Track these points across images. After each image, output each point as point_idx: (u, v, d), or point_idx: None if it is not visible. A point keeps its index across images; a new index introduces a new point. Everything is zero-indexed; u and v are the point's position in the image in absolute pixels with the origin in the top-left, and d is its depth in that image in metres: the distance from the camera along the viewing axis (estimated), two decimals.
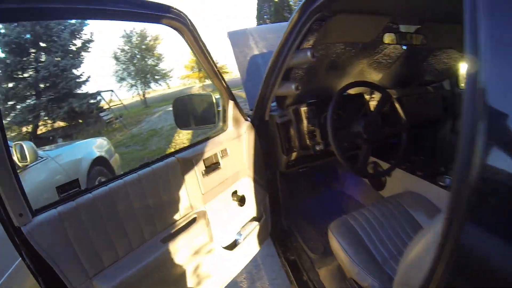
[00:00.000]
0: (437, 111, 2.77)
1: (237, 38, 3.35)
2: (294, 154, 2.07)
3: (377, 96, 2.33)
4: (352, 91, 2.34)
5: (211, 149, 1.65)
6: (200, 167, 1.59)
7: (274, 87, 1.76)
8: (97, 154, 4.60)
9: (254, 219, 1.99)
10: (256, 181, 1.96)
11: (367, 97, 2.34)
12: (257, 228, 1.96)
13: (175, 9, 1.33)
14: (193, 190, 1.54)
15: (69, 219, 1.10)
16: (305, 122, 2.05)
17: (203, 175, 1.59)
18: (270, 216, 2.14)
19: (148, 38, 25.74)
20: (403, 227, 1.69)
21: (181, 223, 1.48)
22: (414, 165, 2.13)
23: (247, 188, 1.93)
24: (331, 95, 1.80)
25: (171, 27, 1.37)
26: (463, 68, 2.62)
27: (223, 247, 1.73)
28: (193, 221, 1.51)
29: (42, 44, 14.69)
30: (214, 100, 1.77)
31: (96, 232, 1.18)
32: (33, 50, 14.54)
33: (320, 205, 2.80)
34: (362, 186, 2.73)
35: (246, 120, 1.90)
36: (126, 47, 25.28)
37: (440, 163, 2.12)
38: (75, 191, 1.17)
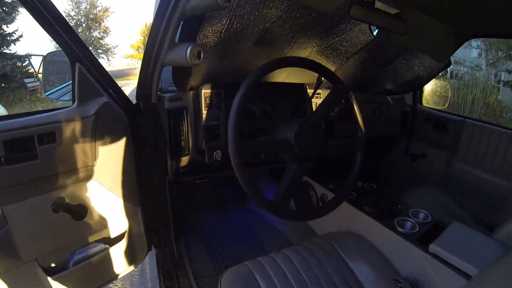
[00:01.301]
0: (394, 128, 2.41)
1: None
2: (186, 159, 1.48)
3: (324, 94, 1.75)
4: (289, 78, 1.74)
5: (24, 128, 1.13)
6: None
7: (161, 49, 1.09)
8: None
9: (104, 240, 1.45)
10: (114, 189, 1.40)
11: (310, 91, 1.72)
12: (107, 252, 1.44)
13: None
14: None
15: None
16: (204, 112, 1.42)
17: (0, 163, 1.09)
18: (145, 238, 1.60)
19: (98, 8, 25.09)
20: (331, 279, 1.24)
21: None
22: (360, 195, 1.62)
23: (95, 197, 1.36)
24: None
25: None
26: (433, 83, 2.37)
27: (44, 268, 1.27)
28: None
29: None
30: None
31: None
32: None
33: (226, 227, 2.25)
34: None
35: (106, 95, 1.30)
36: (73, 13, 24.37)
37: (395, 197, 1.61)
38: None
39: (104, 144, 1.29)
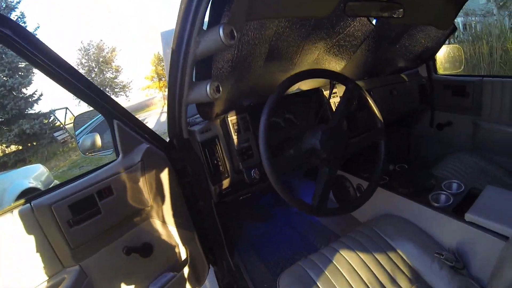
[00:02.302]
0: (414, 103, 2.39)
1: (170, 38, 2.78)
2: (227, 181, 1.57)
3: (340, 90, 1.79)
4: (305, 86, 1.83)
5: (83, 189, 1.22)
6: (65, 215, 1.17)
7: (182, 91, 1.19)
8: (28, 185, 4.21)
9: (170, 268, 1.53)
10: (170, 222, 1.49)
11: (326, 93, 1.78)
12: (176, 279, 1.51)
13: None
14: (59, 245, 1.19)
15: None
16: (235, 137, 1.51)
17: (70, 225, 1.18)
18: (204, 258, 1.69)
19: (106, 50, 25.58)
20: (379, 263, 1.30)
21: (45, 285, 1.17)
22: (393, 178, 1.65)
23: (156, 233, 1.45)
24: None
25: None
26: (444, 48, 2.31)
27: None
28: (61, 281, 1.18)
29: None
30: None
31: None
32: None
33: (274, 232, 2.31)
34: None
35: (145, 142, 1.39)
36: (84, 60, 25.00)
37: (426, 172, 1.61)
38: None
39: (153, 184, 1.38)
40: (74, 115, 15.42)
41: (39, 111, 14.63)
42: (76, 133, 1.61)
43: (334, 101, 1.75)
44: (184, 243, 1.54)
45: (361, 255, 1.31)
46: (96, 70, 24.82)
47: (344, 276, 1.24)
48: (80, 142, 1.51)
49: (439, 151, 2.49)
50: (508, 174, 1.89)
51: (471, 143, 2.26)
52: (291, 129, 1.49)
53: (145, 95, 29.35)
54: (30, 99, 14.51)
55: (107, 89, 24.86)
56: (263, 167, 1.15)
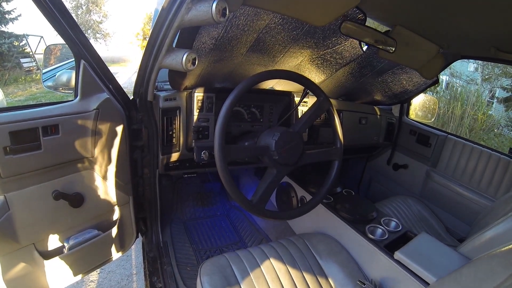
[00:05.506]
0: (379, 137, 2.42)
1: None
2: (176, 155, 1.56)
3: (311, 102, 1.79)
4: (279, 86, 1.83)
5: (29, 120, 1.17)
6: (4, 140, 1.12)
7: (159, 54, 1.17)
8: None
9: (97, 226, 1.50)
10: (109, 179, 1.45)
11: (297, 100, 1.77)
12: (100, 238, 1.48)
13: None
14: None
15: None
16: (195, 114, 1.49)
17: (6, 152, 1.13)
18: (134, 226, 1.64)
19: None
20: (302, 275, 1.32)
21: None
22: (337, 200, 1.67)
23: (91, 186, 1.41)
24: None
25: None
26: (422, 97, 2.39)
27: (40, 252, 1.32)
28: None
29: None
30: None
31: None
32: None
33: (211, 220, 2.31)
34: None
35: (107, 91, 1.35)
36: None
37: (370, 204, 1.65)
38: None
39: (103, 137, 1.34)
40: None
41: (12, 32, 13.82)
42: (44, 68, 1.57)
43: (302, 110, 1.75)
44: (117, 205, 1.51)
45: (287, 263, 1.32)
46: (84, 8, 23.85)
47: (266, 279, 1.25)
48: (56, 75, 1.46)
49: (388, 188, 2.56)
50: (444, 228, 1.98)
51: (420, 190, 2.34)
52: (253, 124, 1.48)
53: (126, 50, 28.50)
54: (6, 16, 13.68)
55: (88, 31, 24.00)
56: (214, 150, 1.13)
